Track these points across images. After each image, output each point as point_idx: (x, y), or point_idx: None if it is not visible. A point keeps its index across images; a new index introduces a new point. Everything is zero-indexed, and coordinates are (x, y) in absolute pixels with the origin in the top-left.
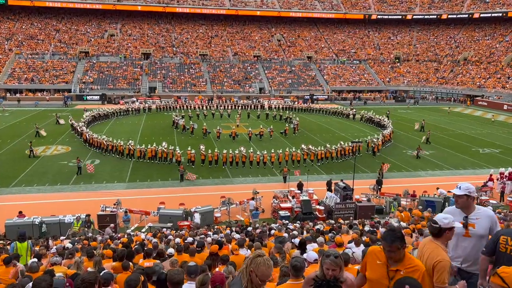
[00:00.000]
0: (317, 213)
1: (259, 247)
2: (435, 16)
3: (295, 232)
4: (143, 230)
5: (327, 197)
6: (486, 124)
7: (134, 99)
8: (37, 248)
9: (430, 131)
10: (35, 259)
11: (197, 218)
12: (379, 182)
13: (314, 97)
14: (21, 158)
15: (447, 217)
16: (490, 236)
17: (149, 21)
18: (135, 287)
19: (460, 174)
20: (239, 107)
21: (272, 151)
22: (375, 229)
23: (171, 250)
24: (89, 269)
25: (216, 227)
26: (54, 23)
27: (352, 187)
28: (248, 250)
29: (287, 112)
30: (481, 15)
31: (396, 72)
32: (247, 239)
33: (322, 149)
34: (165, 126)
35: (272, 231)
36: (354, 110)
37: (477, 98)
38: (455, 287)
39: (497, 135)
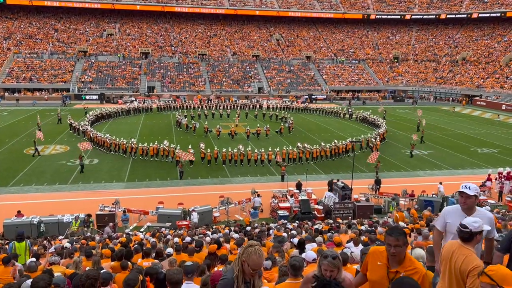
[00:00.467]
0: (315, 212)
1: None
2: (433, 16)
3: (294, 232)
4: (142, 229)
5: (325, 197)
6: (485, 124)
7: (133, 98)
8: (35, 248)
9: (424, 131)
10: (33, 259)
11: (194, 217)
12: (378, 182)
13: (313, 96)
14: (19, 158)
15: (477, 220)
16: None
17: (148, 20)
18: (134, 287)
19: (459, 174)
20: (238, 107)
21: (270, 149)
22: (373, 228)
23: (169, 250)
24: (88, 268)
25: (214, 226)
26: (52, 22)
27: (351, 186)
28: None
29: (283, 112)
30: (480, 15)
31: (395, 72)
32: (245, 238)
33: (317, 147)
34: (163, 126)
35: (271, 231)
36: (351, 110)
37: (475, 98)
38: None
39: (496, 135)
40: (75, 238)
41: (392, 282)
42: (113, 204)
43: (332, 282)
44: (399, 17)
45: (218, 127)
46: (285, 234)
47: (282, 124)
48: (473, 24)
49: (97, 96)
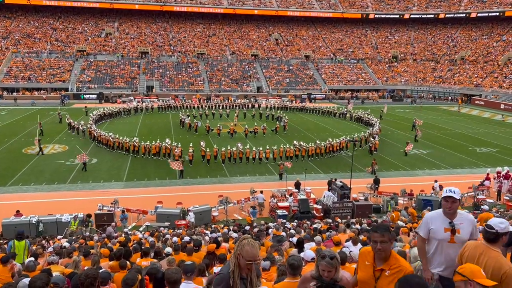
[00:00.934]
0: (314, 212)
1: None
2: (432, 16)
3: (292, 231)
4: (141, 229)
5: (324, 196)
6: (484, 123)
7: (132, 98)
8: (34, 248)
9: (419, 130)
10: (32, 258)
11: (191, 217)
12: (377, 181)
13: (312, 96)
14: (18, 157)
15: (503, 221)
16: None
17: (147, 19)
18: (133, 286)
19: (457, 173)
20: (237, 107)
21: (267, 147)
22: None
23: (168, 249)
24: (86, 268)
25: (213, 226)
26: (51, 22)
27: (349, 186)
28: None
29: (279, 111)
30: (478, 14)
31: (394, 71)
32: None
33: (312, 145)
34: (162, 125)
35: (270, 230)
36: (345, 110)
37: (474, 97)
38: None
39: (495, 134)
40: (73, 237)
41: (398, 280)
42: (112, 203)
43: (336, 286)
44: (398, 16)
45: (218, 126)
46: (284, 234)
47: (278, 123)
48: (472, 23)
49: (95, 95)
